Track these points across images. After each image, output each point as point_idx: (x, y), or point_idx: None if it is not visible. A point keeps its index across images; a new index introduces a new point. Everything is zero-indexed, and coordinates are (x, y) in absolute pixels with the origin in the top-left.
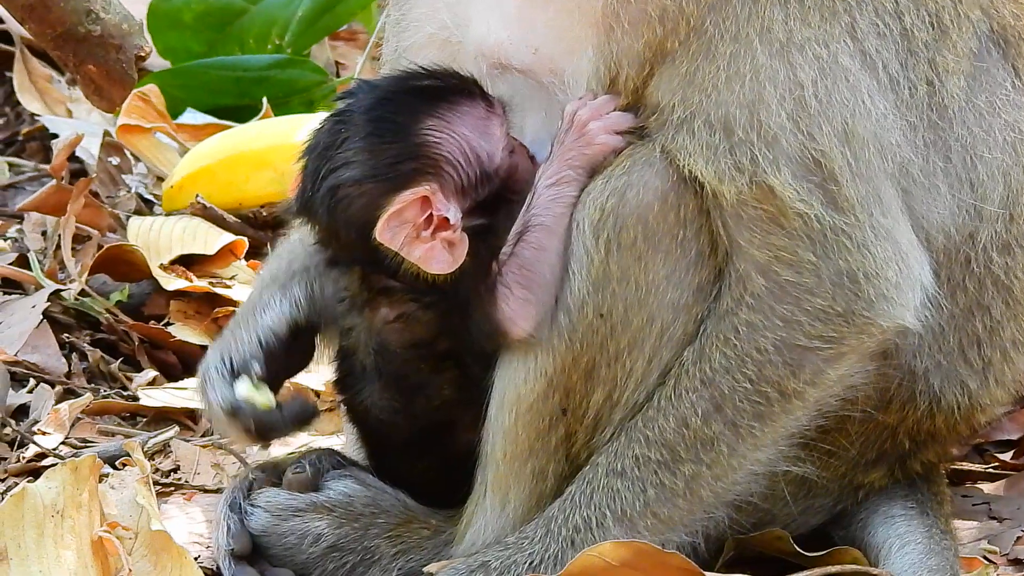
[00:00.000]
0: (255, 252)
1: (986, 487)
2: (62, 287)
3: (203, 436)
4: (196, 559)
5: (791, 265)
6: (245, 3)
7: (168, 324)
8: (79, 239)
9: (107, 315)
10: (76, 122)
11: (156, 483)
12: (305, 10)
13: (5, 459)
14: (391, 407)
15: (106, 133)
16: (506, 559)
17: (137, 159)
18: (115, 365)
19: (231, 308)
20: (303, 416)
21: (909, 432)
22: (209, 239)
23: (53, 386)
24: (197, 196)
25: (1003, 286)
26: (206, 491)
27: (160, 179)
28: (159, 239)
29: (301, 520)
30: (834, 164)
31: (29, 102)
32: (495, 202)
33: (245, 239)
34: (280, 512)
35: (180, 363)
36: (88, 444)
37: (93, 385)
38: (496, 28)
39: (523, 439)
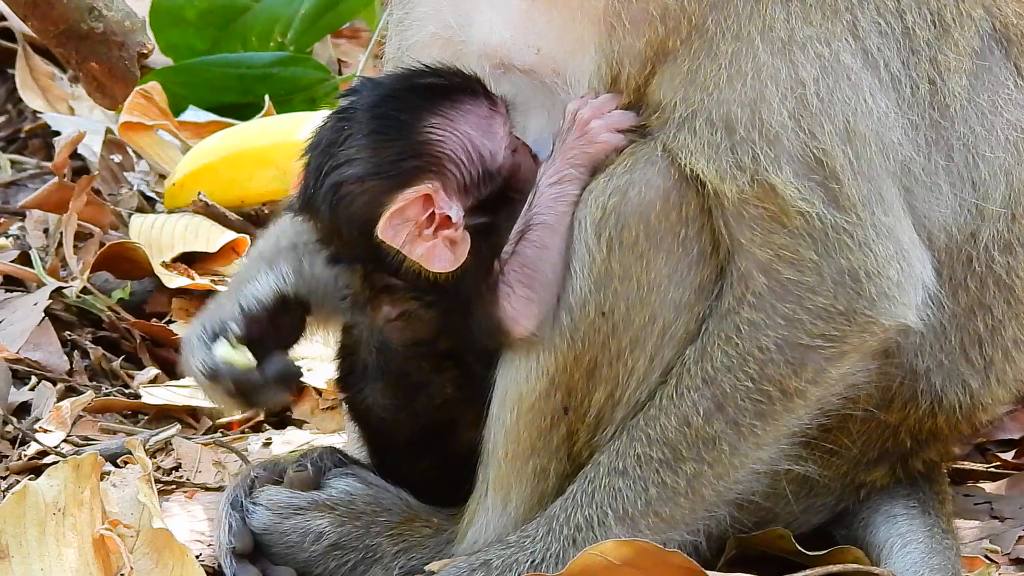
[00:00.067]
0: None
1: (988, 486)
2: (64, 284)
3: (205, 434)
4: (197, 557)
5: (793, 264)
6: (248, 1)
7: (170, 322)
8: (81, 237)
9: (109, 313)
10: (78, 119)
11: (158, 481)
12: (308, 8)
13: (7, 457)
14: (393, 405)
15: (108, 130)
16: (508, 558)
17: (139, 156)
18: (117, 363)
19: None
20: (285, 375)
21: (911, 431)
22: (211, 237)
23: (55, 384)
24: (199, 194)
25: (1005, 285)
26: (208, 489)
27: (162, 177)
28: (161, 237)
29: (303, 518)
30: (836, 163)
31: (31, 99)
32: (497, 201)
33: (247, 237)
34: (282, 510)
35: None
36: (90, 442)
37: (95, 383)
38: (498, 28)
39: (525, 438)
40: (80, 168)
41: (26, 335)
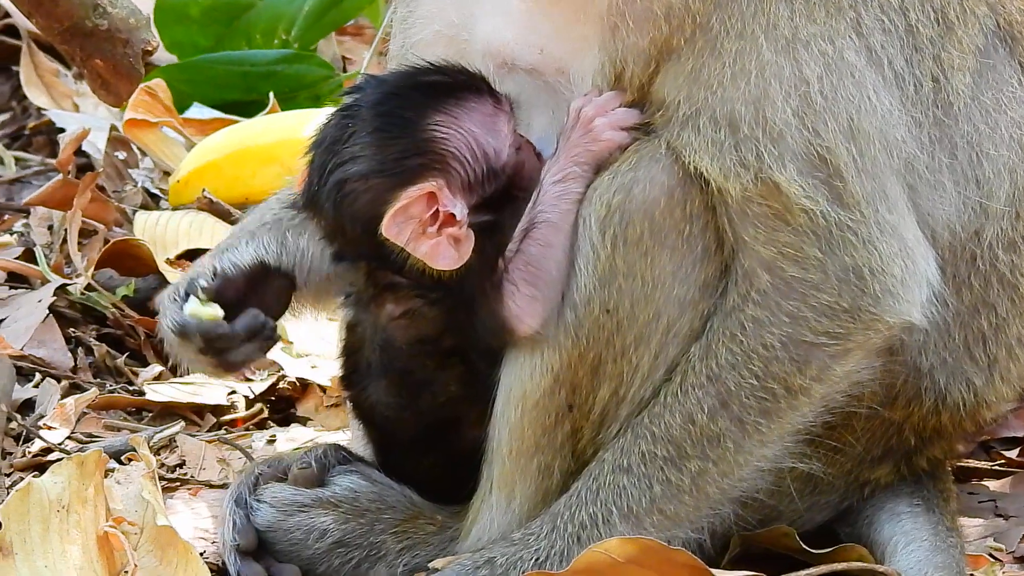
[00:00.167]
0: None
1: (992, 484)
2: (68, 281)
3: (209, 431)
4: (202, 554)
5: (797, 261)
6: None
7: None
8: (85, 233)
9: (113, 310)
10: (83, 116)
11: (162, 478)
12: (312, 5)
13: (11, 454)
14: (397, 403)
15: (113, 127)
16: (512, 555)
17: (144, 153)
18: (121, 360)
19: None
20: (255, 328)
21: (915, 429)
22: (215, 234)
23: (59, 381)
24: (204, 191)
25: (1009, 283)
26: (212, 486)
27: (167, 174)
28: (165, 234)
29: (307, 515)
30: (839, 160)
31: (36, 96)
32: (501, 199)
33: None
34: (286, 507)
35: None
36: (94, 439)
37: (99, 380)
38: (501, 28)
39: (529, 435)
40: (84, 165)
41: (30, 332)
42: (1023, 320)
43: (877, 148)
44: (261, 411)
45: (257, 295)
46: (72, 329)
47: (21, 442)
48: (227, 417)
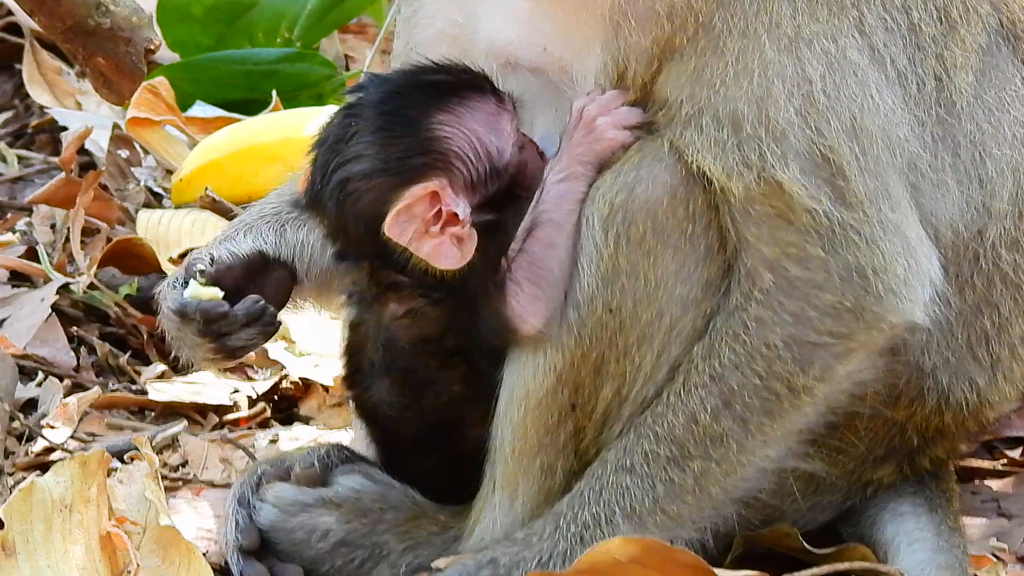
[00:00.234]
0: None
1: (995, 484)
2: (71, 280)
3: (212, 430)
4: (204, 554)
5: (800, 261)
6: None
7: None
8: (88, 232)
9: (116, 309)
10: (85, 115)
11: (164, 478)
12: (314, 4)
13: (13, 453)
14: (400, 403)
15: (115, 126)
16: (514, 555)
17: (146, 152)
18: (124, 359)
19: None
20: (255, 313)
21: (918, 428)
22: (218, 232)
23: (61, 380)
24: (206, 189)
25: (1012, 283)
26: (214, 486)
27: (169, 172)
28: (168, 232)
29: (309, 515)
30: (842, 159)
31: (38, 94)
32: (504, 198)
33: None
34: (288, 507)
35: None
36: (96, 438)
37: (101, 379)
38: (504, 28)
39: (532, 435)
40: (87, 163)
41: (33, 331)
42: None
43: (880, 147)
44: (264, 410)
45: (256, 286)
46: (75, 328)
47: (24, 441)
48: (230, 416)
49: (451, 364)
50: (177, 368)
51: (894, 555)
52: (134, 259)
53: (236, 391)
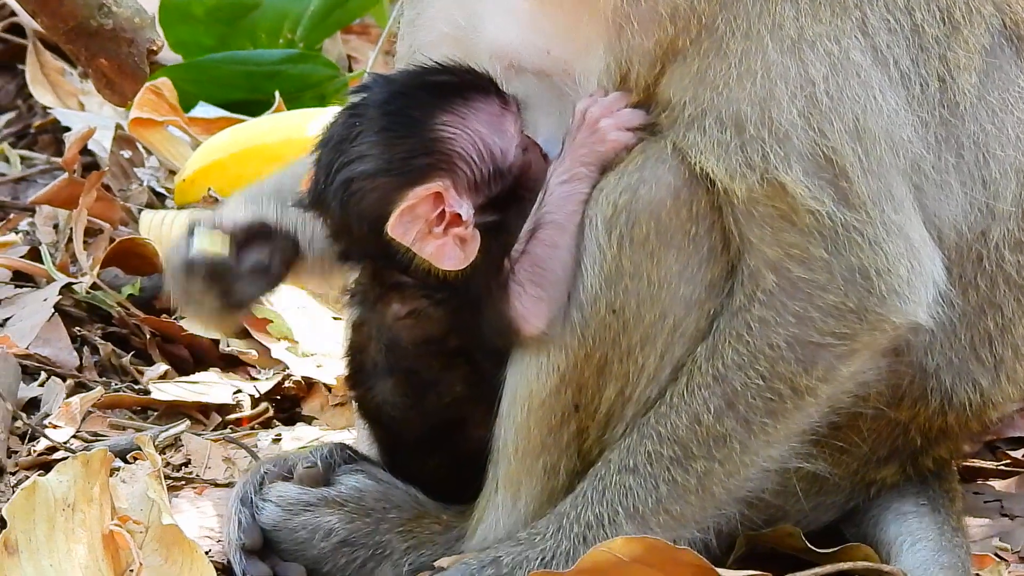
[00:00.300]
0: None
1: (998, 484)
2: (74, 280)
3: (214, 430)
4: (207, 553)
5: (803, 262)
6: None
7: (180, 318)
8: (91, 232)
9: (119, 309)
10: (88, 115)
11: (167, 477)
12: (317, 4)
13: (16, 452)
14: (402, 403)
15: (118, 126)
16: (517, 555)
17: (149, 152)
18: (126, 359)
19: None
20: (260, 265)
21: (921, 429)
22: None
23: (64, 379)
24: (209, 190)
25: (1015, 284)
26: (217, 485)
27: (172, 173)
28: (171, 233)
29: (312, 515)
30: (845, 161)
31: (41, 95)
32: (508, 199)
33: None
34: (291, 506)
35: (191, 357)
36: (99, 438)
37: (104, 379)
38: (507, 30)
39: (535, 435)
40: (90, 164)
41: (36, 331)
42: None
43: (883, 148)
44: (267, 410)
45: (257, 250)
46: (77, 328)
47: (26, 441)
48: (232, 416)
49: (454, 365)
50: (180, 369)
51: (897, 555)
52: (137, 259)
53: (239, 391)
